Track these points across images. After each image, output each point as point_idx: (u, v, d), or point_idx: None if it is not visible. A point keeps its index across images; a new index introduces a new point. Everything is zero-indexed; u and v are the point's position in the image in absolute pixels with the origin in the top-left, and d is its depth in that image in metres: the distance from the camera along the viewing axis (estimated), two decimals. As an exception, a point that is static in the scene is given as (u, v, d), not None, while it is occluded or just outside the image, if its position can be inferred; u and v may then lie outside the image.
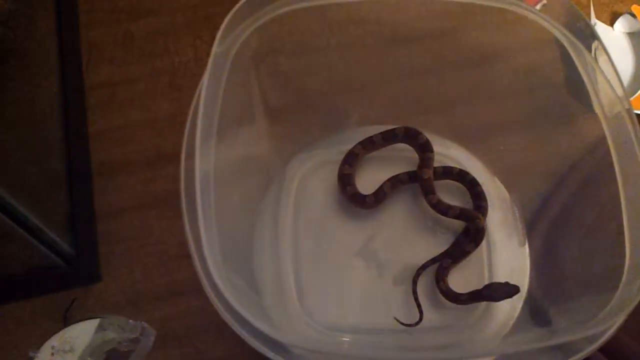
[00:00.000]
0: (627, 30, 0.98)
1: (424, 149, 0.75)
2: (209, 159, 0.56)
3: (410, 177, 0.76)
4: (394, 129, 0.77)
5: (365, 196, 0.75)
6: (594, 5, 0.98)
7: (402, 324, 0.69)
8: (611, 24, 0.98)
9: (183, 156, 0.57)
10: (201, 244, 0.51)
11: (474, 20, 0.79)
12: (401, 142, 0.78)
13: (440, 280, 0.70)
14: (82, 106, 0.91)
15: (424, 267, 0.72)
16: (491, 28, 0.76)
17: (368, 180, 0.77)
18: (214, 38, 0.97)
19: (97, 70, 0.95)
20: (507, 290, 0.66)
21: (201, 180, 0.54)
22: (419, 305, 0.69)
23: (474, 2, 0.66)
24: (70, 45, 0.94)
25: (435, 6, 0.75)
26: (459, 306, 0.70)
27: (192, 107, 0.59)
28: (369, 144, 0.77)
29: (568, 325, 0.61)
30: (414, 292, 0.70)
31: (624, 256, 0.55)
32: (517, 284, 0.70)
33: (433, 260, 0.72)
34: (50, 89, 0.87)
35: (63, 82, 0.90)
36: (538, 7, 1.01)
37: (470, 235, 0.72)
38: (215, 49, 0.60)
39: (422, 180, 0.74)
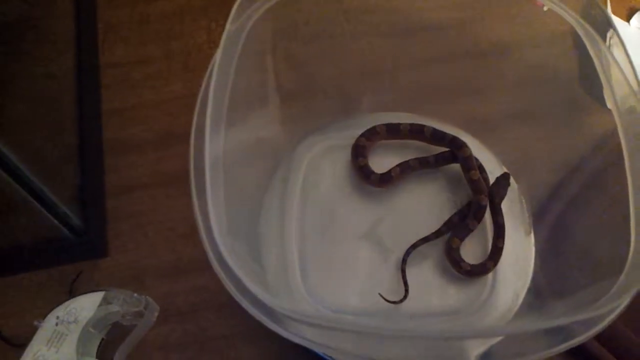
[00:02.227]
0: (644, 27, 0.97)
1: (458, 147, 0.75)
2: (219, 137, 0.56)
3: (421, 163, 0.76)
4: (423, 126, 0.77)
5: (372, 172, 0.75)
6: (611, 1, 0.97)
7: (387, 300, 0.69)
8: (627, 19, 0.98)
9: (193, 133, 0.58)
10: (209, 217, 0.51)
11: (489, 10, 0.79)
12: (428, 142, 0.78)
13: (459, 261, 0.70)
14: (97, 84, 0.92)
15: (414, 246, 0.72)
16: (506, 18, 0.76)
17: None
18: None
19: (113, 49, 0.96)
20: (503, 182, 0.73)
21: (210, 158, 0.54)
22: (405, 283, 0.70)
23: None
24: (87, 24, 0.96)
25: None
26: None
27: (203, 84, 0.60)
28: (394, 129, 0.78)
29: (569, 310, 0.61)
30: (403, 271, 0.71)
31: (629, 246, 0.55)
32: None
33: (424, 240, 0.72)
34: (66, 66, 0.89)
35: (79, 60, 0.91)
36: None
37: (472, 212, 0.73)
38: (228, 26, 0.61)
39: (471, 181, 0.74)
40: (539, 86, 0.80)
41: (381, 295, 0.69)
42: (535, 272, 0.71)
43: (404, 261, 0.71)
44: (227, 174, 0.56)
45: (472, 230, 0.72)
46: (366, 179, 0.76)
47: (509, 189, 0.76)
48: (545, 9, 0.95)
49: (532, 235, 0.74)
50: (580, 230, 0.72)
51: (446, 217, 0.74)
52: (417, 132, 0.78)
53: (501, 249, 0.72)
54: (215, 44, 0.99)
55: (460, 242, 0.72)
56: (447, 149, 0.77)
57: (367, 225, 0.75)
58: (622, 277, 0.53)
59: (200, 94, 0.59)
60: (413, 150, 0.79)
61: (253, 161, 0.77)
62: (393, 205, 0.77)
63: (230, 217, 0.54)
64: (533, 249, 0.73)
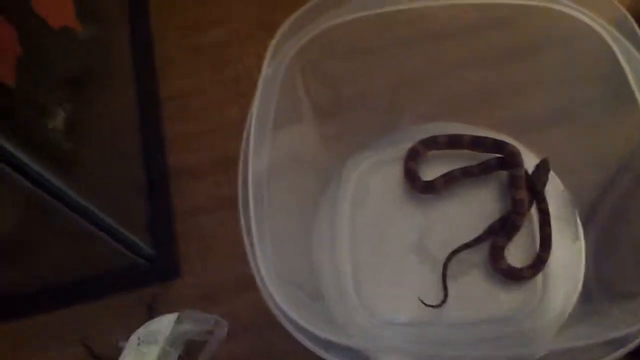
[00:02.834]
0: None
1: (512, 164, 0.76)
2: (261, 164, 0.61)
3: (464, 174, 0.78)
4: (486, 138, 0.78)
5: (418, 178, 0.78)
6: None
7: (425, 304, 0.72)
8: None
9: (241, 167, 0.63)
10: (255, 250, 0.57)
11: (522, 11, 0.78)
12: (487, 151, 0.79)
13: (498, 259, 0.72)
14: (159, 116, 0.99)
15: (455, 252, 0.74)
16: (538, 20, 0.76)
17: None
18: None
19: (171, 81, 1.03)
20: (543, 168, 0.74)
21: (254, 185, 0.59)
22: (445, 287, 0.72)
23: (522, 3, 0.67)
24: (144, 60, 1.03)
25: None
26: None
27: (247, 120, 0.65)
28: (455, 140, 0.80)
29: (622, 316, 0.61)
30: (444, 276, 0.73)
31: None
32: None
33: (465, 246, 0.74)
34: (128, 103, 0.96)
35: (140, 95, 0.99)
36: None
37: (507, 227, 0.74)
38: (264, 70, 0.65)
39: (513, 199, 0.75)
40: (580, 84, 0.79)
41: (420, 300, 0.72)
42: (586, 276, 0.71)
43: (444, 266, 0.74)
44: (272, 200, 0.61)
45: (503, 248, 0.73)
46: (412, 183, 0.79)
47: (557, 190, 0.77)
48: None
49: (582, 239, 0.74)
50: (632, 229, 0.71)
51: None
52: (478, 144, 0.79)
53: (545, 261, 0.72)
54: (264, 68, 1.04)
55: (504, 261, 0.73)
56: (491, 158, 0.78)
57: (415, 237, 0.77)
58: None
59: (245, 132, 0.64)
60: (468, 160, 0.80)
61: (300, 182, 0.81)
62: (440, 215, 0.79)
63: (277, 244, 0.59)
64: (583, 252, 0.73)
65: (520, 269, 0.72)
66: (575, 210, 0.77)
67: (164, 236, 0.88)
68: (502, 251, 0.73)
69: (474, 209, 0.78)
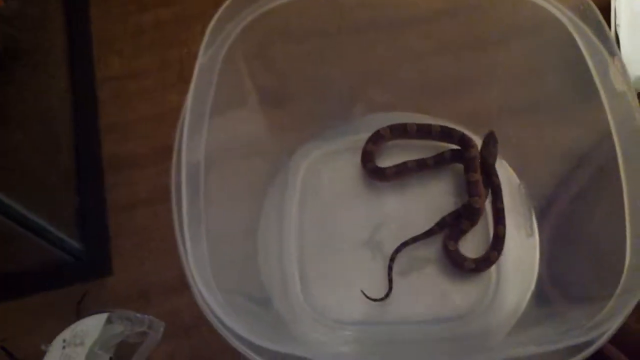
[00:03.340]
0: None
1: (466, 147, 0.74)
2: (197, 155, 0.57)
3: (419, 166, 0.75)
4: (430, 125, 0.76)
5: (383, 168, 0.75)
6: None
7: (368, 297, 0.69)
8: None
9: (175, 155, 0.58)
10: (187, 250, 0.53)
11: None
12: (436, 139, 0.77)
13: (462, 261, 0.69)
14: (93, 100, 0.92)
15: (405, 244, 0.71)
16: (501, 9, 0.73)
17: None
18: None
19: (108, 63, 0.96)
20: (491, 141, 0.74)
21: (187, 178, 0.54)
22: (390, 281, 0.70)
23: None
24: (81, 39, 0.96)
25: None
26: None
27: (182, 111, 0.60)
28: (400, 130, 0.77)
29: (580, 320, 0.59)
30: (389, 268, 0.70)
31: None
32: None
33: (414, 239, 0.71)
34: (60, 84, 0.89)
35: (73, 76, 0.92)
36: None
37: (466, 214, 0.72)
38: (200, 56, 0.60)
39: (468, 183, 0.73)
40: (538, 78, 0.77)
41: (363, 293, 0.69)
42: (541, 275, 0.69)
43: (391, 259, 0.71)
44: (213, 189, 0.57)
45: (466, 232, 0.71)
46: (363, 164, 0.76)
47: (512, 184, 0.75)
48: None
49: (536, 234, 0.72)
50: (587, 226, 0.69)
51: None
52: (424, 131, 0.76)
53: (503, 237, 0.70)
54: (209, 52, 0.98)
55: (455, 244, 0.71)
56: (446, 150, 0.75)
57: (366, 232, 0.74)
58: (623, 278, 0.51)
59: (180, 120, 0.59)
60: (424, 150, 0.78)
61: (248, 171, 0.76)
62: (393, 209, 0.75)
63: (215, 237, 0.54)
64: (537, 249, 0.71)
65: (465, 258, 0.70)
66: (530, 205, 0.74)
67: (94, 230, 0.81)
68: (460, 235, 0.71)
69: (428, 202, 0.75)
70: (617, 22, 0.86)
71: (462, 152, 0.74)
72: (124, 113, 0.92)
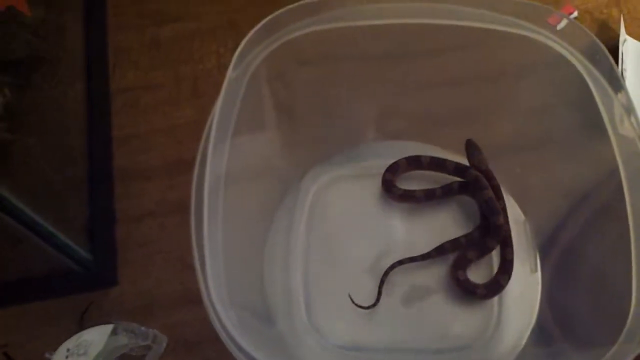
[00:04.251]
0: (659, 48, 0.95)
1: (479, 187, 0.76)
2: (219, 172, 0.58)
3: (427, 196, 0.77)
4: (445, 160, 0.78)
5: (413, 191, 0.77)
6: (624, 20, 0.95)
7: (356, 304, 0.71)
8: (642, 39, 0.96)
9: (197, 167, 0.59)
10: (205, 267, 0.53)
11: (496, 36, 0.77)
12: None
13: (474, 290, 0.71)
14: (107, 111, 0.93)
15: (400, 263, 0.73)
16: (512, 45, 0.75)
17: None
18: (237, 46, 0.99)
19: (123, 74, 0.97)
20: (473, 146, 0.76)
21: (209, 189, 0.55)
22: (379, 293, 0.72)
23: (496, 29, 0.66)
24: (98, 49, 0.97)
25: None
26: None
27: (207, 124, 0.61)
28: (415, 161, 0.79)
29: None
30: (381, 282, 0.72)
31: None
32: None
33: (411, 259, 0.73)
34: (76, 94, 0.90)
35: (89, 86, 0.93)
36: (563, 24, 1.00)
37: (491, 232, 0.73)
38: (229, 73, 0.61)
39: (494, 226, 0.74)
40: (546, 113, 0.79)
41: (350, 298, 0.71)
42: (543, 313, 0.70)
43: (385, 273, 0.72)
44: (230, 207, 0.58)
45: (471, 261, 0.73)
46: (411, 199, 0.78)
47: (517, 219, 0.76)
48: (558, 27, 0.94)
49: (538, 270, 0.73)
50: (589, 265, 0.71)
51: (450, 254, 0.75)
52: (439, 164, 0.78)
53: (511, 260, 0.72)
54: (224, 69, 0.97)
55: (464, 272, 0.72)
56: (454, 181, 0.77)
57: (372, 259, 0.75)
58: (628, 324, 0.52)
59: (205, 133, 0.60)
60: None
61: (260, 192, 0.77)
62: (399, 238, 0.77)
63: (229, 256, 0.55)
64: (540, 285, 0.72)
65: (476, 285, 0.72)
66: (534, 241, 0.76)
67: (102, 240, 0.82)
68: (468, 264, 0.72)
69: (435, 231, 0.76)
70: (623, 67, 0.88)
71: (472, 189, 0.76)
72: (137, 125, 0.93)
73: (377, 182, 0.79)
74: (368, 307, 0.71)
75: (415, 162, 0.79)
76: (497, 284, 0.71)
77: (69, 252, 0.77)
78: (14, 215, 0.68)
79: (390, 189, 0.77)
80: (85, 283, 0.80)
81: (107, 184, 0.86)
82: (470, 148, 0.76)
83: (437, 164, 0.78)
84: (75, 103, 0.90)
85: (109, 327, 0.74)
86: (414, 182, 0.79)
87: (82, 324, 0.77)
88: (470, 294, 0.71)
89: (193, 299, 0.80)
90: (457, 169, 0.77)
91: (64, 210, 0.80)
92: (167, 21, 1.02)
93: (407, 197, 0.77)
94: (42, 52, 0.82)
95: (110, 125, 0.92)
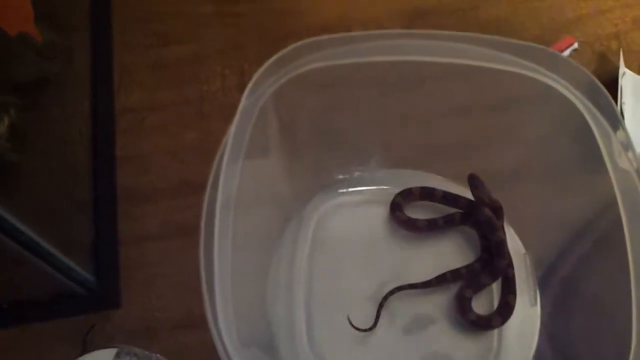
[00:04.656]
0: (657, 81, 0.96)
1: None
2: (229, 197, 0.59)
3: (430, 226, 0.78)
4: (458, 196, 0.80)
5: (416, 220, 0.78)
6: (623, 53, 0.97)
7: (355, 327, 0.72)
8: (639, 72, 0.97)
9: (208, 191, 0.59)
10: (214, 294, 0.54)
11: (495, 71, 0.79)
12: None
13: (467, 311, 0.72)
14: (112, 131, 0.93)
15: (400, 289, 0.74)
16: (512, 81, 0.77)
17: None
18: (242, 68, 1.00)
19: (128, 94, 0.98)
20: (477, 180, 0.77)
21: (221, 212, 0.56)
22: (377, 317, 0.73)
23: (497, 68, 0.67)
24: (104, 69, 0.97)
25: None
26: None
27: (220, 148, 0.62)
28: (429, 193, 0.80)
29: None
30: (380, 306, 0.73)
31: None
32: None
33: (411, 286, 0.74)
34: (82, 114, 0.90)
35: (94, 106, 0.93)
36: (567, 52, 1.01)
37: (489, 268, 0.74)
38: (244, 101, 0.62)
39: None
40: (547, 143, 0.80)
41: (349, 320, 0.72)
42: (540, 345, 0.71)
43: (384, 297, 0.73)
44: (237, 233, 0.58)
45: (485, 286, 0.74)
46: (413, 228, 0.79)
47: (517, 251, 0.77)
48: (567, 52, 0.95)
49: (538, 305, 0.74)
50: (585, 299, 0.72)
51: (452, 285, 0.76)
52: (451, 200, 0.80)
53: (512, 306, 0.73)
54: (229, 92, 1.01)
55: (473, 293, 0.74)
56: (456, 212, 0.78)
57: (374, 287, 0.76)
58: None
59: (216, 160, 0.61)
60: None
61: (264, 218, 0.78)
62: (401, 267, 0.77)
63: (236, 283, 0.56)
64: (539, 319, 0.73)
65: (489, 318, 0.72)
66: (534, 273, 0.77)
67: (105, 262, 0.82)
68: (469, 302, 0.73)
69: (437, 261, 0.77)
70: (622, 100, 0.90)
71: (483, 229, 0.77)
72: (141, 146, 0.93)
73: (380, 210, 0.81)
74: (365, 330, 0.72)
75: (428, 194, 0.80)
76: (488, 321, 0.72)
77: (72, 274, 0.78)
78: (16, 237, 0.68)
79: (395, 212, 0.79)
80: (88, 305, 0.81)
81: (112, 206, 0.87)
82: (475, 182, 0.77)
83: (450, 199, 0.79)
84: (81, 123, 0.90)
85: (112, 351, 0.74)
86: (419, 210, 0.81)
87: (84, 347, 0.78)
88: (463, 312, 0.72)
89: (196, 323, 0.81)
90: (469, 207, 0.78)
91: (67, 231, 0.80)
92: (173, 42, 1.03)
93: (410, 225, 0.79)
94: (49, 73, 0.82)
95: (115, 145, 0.93)
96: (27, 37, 0.75)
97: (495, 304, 0.75)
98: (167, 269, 0.85)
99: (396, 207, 0.79)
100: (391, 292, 0.74)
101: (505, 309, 0.73)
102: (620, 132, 0.66)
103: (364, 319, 0.74)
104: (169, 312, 0.82)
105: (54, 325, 0.80)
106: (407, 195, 0.80)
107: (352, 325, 0.72)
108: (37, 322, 0.80)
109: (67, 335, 0.79)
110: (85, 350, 0.75)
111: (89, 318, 0.81)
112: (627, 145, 0.65)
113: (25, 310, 0.81)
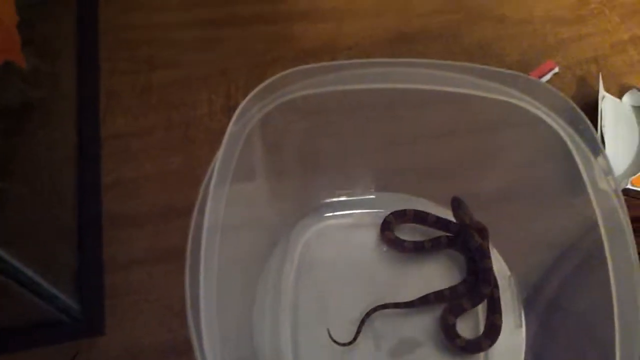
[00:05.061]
0: (636, 104, 0.99)
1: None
2: (216, 223, 0.58)
3: (416, 247, 0.79)
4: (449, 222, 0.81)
5: (404, 241, 0.79)
6: (602, 77, 0.99)
7: (334, 341, 0.72)
8: (620, 96, 0.99)
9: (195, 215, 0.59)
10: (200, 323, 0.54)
11: (478, 97, 0.80)
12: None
13: (454, 338, 0.72)
14: (98, 156, 0.93)
15: (384, 307, 0.75)
16: (494, 107, 0.78)
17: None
18: (228, 93, 1.01)
19: (114, 119, 0.98)
20: (459, 202, 0.78)
21: (208, 237, 0.56)
22: (358, 332, 0.73)
23: (481, 95, 0.68)
24: (90, 94, 0.97)
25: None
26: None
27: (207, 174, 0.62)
28: (422, 217, 0.82)
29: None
30: (362, 322, 0.74)
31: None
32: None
33: (395, 305, 0.75)
34: (67, 139, 0.90)
35: (80, 131, 0.93)
36: (549, 76, 1.03)
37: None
38: (231, 127, 0.63)
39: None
40: (530, 166, 0.82)
41: (329, 333, 0.73)
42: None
43: (367, 314, 0.74)
44: (223, 257, 0.58)
45: (467, 310, 0.74)
46: (399, 247, 0.79)
47: (502, 273, 0.78)
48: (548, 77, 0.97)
49: (523, 327, 0.75)
50: (573, 316, 0.72)
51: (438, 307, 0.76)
52: (442, 225, 0.81)
53: (499, 327, 0.73)
54: (215, 116, 1.01)
55: (455, 318, 0.74)
56: (442, 236, 0.79)
57: (360, 310, 0.76)
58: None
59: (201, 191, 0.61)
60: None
61: (250, 242, 0.78)
62: (387, 290, 0.77)
63: (221, 308, 0.56)
64: (524, 338, 0.74)
65: (478, 342, 0.73)
66: (519, 295, 0.77)
67: (90, 289, 0.82)
68: (453, 329, 0.73)
69: (423, 284, 0.77)
70: (603, 123, 0.92)
71: (473, 257, 0.78)
72: (126, 171, 0.93)
73: (367, 234, 0.81)
74: (345, 344, 0.72)
75: (421, 218, 0.81)
76: (478, 345, 0.73)
77: (56, 302, 0.77)
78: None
79: (384, 231, 0.80)
80: (72, 332, 0.80)
81: (97, 231, 0.86)
82: (457, 203, 0.78)
83: (441, 225, 0.80)
84: (66, 148, 0.90)
85: (97, 380, 0.73)
86: (408, 231, 0.82)
87: (68, 375, 0.77)
88: (451, 340, 0.72)
89: (181, 349, 0.81)
90: (460, 233, 0.79)
91: (51, 258, 0.79)
92: (159, 67, 1.03)
93: (396, 245, 0.79)
94: (34, 99, 0.82)
95: (101, 170, 0.92)
96: (11, 64, 0.75)
97: (481, 324, 0.75)
98: (153, 294, 0.84)
99: (386, 226, 0.80)
100: (374, 309, 0.74)
101: (492, 331, 0.73)
102: (601, 159, 0.67)
103: (353, 347, 0.73)
104: (154, 338, 0.81)
105: (37, 353, 0.79)
106: (399, 216, 0.81)
107: (332, 339, 0.72)
108: (20, 350, 0.79)
109: (52, 363, 0.79)
110: (68, 378, 0.74)
111: (73, 345, 0.80)
112: (608, 171, 0.66)
113: (8, 338, 0.79)
